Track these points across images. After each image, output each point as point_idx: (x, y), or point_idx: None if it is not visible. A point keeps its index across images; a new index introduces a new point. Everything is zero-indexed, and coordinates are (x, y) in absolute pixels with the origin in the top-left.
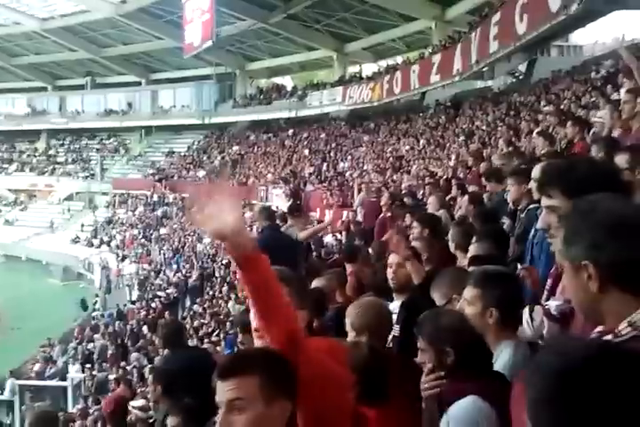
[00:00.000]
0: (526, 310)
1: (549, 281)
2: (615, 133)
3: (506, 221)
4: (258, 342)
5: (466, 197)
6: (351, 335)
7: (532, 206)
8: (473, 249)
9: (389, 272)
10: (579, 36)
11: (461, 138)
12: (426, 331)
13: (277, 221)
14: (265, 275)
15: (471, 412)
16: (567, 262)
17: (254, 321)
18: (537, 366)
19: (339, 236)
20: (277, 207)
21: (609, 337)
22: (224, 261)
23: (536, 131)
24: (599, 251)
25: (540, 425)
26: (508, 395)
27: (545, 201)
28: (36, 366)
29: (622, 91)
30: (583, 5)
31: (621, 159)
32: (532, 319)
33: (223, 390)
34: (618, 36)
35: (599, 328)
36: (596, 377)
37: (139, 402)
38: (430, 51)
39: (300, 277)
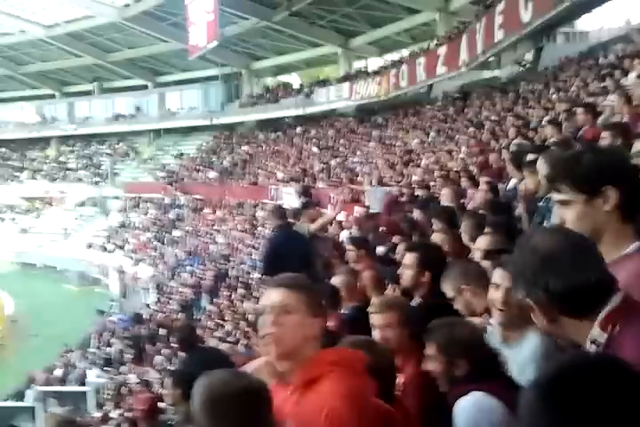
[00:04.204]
0: None
1: None
2: (625, 119)
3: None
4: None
5: (482, 186)
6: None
7: (548, 196)
8: (481, 241)
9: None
10: (584, 23)
11: (470, 129)
12: (438, 340)
13: (289, 220)
14: None
15: (475, 406)
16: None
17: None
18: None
19: (353, 232)
20: (289, 206)
21: None
22: (238, 262)
23: (545, 119)
24: (535, 289)
25: None
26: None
27: (556, 196)
28: (57, 372)
29: (631, 76)
30: None
31: None
32: None
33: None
34: (627, 18)
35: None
36: (563, 384)
37: (160, 405)
38: (436, 42)
39: (312, 285)
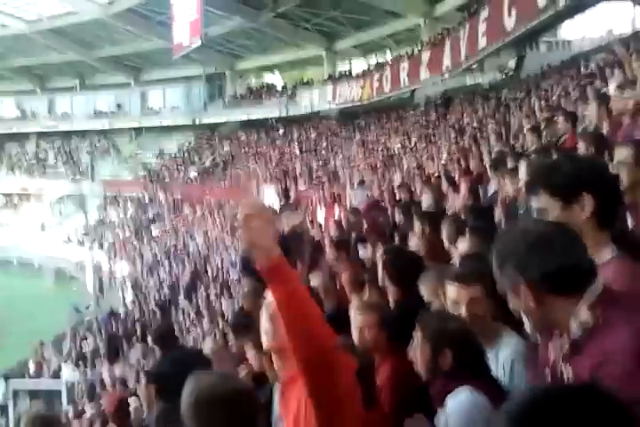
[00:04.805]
0: None
1: None
2: (604, 129)
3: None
4: (278, 363)
5: (463, 191)
6: (375, 332)
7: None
8: (462, 245)
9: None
10: (567, 32)
11: (452, 134)
12: (427, 328)
13: None
14: (293, 286)
15: (469, 404)
16: (505, 287)
17: (268, 341)
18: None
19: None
20: (269, 206)
21: (566, 339)
22: (217, 261)
23: (526, 127)
24: (525, 268)
25: None
26: (502, 396)
27: (534, 202)
28: (30, 368)
29: (611, 85)
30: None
31: (625, 153)
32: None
33: None
34: (609, 29)
35: (556, 333)
36: (537, 419)
37: (133, 403)
38: (419, 48)
39: (310, 286)
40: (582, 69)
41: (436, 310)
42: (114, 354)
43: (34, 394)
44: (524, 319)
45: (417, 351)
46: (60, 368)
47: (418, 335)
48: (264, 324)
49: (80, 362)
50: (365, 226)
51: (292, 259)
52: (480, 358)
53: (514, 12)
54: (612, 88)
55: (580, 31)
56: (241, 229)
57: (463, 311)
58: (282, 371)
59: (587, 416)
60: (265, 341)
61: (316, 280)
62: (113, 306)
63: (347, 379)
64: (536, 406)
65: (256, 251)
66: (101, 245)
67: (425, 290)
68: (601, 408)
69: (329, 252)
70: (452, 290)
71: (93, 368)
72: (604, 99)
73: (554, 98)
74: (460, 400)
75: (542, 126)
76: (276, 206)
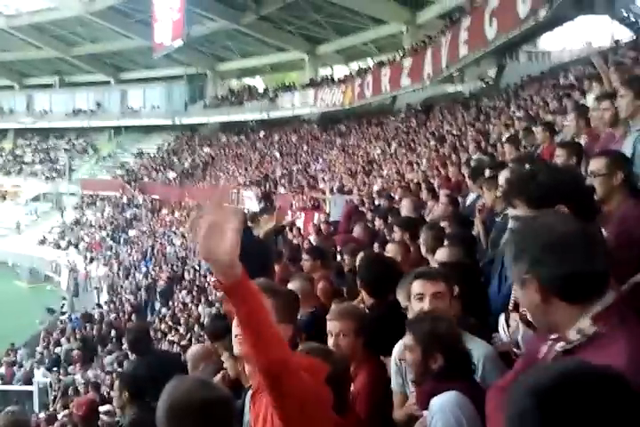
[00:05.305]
0: (502, 316)
1: None
2: (582, 140)
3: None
4: (249, 368)
5: (442, 199)
6: (351, 339)
7: (506, 212)
8: (441, 253)
9: None
10: (547, 43)
11: (432, 142)
12: (420, 332)
13: (249, 224)
14: (252, 304)
15: (451, 404)
16: (515, 277)
17: (240, 346)
18: (516, 385)
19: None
20: (248, 210)
21: (561, 344)
22: (194, 265)
23: (505, 137)
24: (539, 266)
25: None
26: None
27: (511, 211)
28: (1, 370)
29: (589, 96)
30: (551, 11)
31: (599, 164)
32: (507, 325)
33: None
34: (588, 42)
35: (553, 335)
36: (564, 396)
37: (105, 407)
38: (401, 54)
39: (288, 291)
40: (561, 80)
41: (426, 313)
42: (88, 357)
43: (5, 397)
44: (527, 313)
45: (409, 354)
46: (32, 372)
47: (409, 338)
48: (234, 329)
49: (53, 365)
50: (344, 232)
51: (269, 262)
52: (467, 360)
53: (495, 22)
54: (590, 99)
55: (559, 43)
56: (197, 239)
57: (426, 305)
58: (253, 377)
59: (614, 395)
60: (236, 346)
61: (294, 285)
62: (87, 308)
63: (310, 384)
64: (564, 383)
65: (214, 266)
66: (77, 246)
67: (401, 296)
68: (624, 390)
69: (305, 259)
70: (417, 285)
71: (67, 372)
72: (582, 110)
73: (533, 108)
74: (443, 400)
75: (520, 136)
76: (256, 210)
